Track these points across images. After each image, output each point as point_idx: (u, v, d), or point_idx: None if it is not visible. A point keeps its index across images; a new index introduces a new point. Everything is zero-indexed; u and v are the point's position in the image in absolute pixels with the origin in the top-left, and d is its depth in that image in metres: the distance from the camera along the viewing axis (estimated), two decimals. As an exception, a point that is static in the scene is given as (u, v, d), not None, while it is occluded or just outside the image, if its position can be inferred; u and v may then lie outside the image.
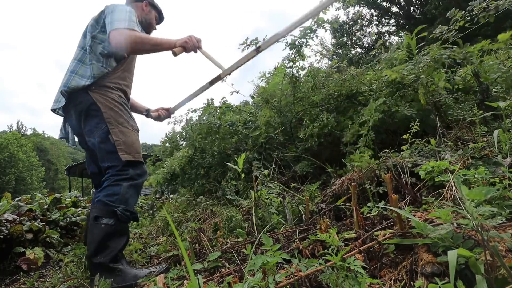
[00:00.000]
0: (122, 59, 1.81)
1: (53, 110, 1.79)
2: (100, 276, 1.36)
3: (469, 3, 2.34)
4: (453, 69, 2.62)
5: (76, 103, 1.67)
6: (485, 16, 2.21)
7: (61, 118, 1.87)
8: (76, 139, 1.89)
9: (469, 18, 2.29)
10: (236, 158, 1.94)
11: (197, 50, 1.85)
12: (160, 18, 2.17)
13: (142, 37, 1.67)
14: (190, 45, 1.79)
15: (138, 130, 1.81)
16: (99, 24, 1.74)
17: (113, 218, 1.51)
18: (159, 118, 2.25)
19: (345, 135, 2.43)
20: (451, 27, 2.34)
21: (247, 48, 2.86)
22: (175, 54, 1.76)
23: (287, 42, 2.82)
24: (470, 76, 2.33)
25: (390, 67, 2.58)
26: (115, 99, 1.72)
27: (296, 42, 2.77)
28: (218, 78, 1.97)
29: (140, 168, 1.71)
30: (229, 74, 1.96)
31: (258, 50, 1.83)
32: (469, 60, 2.14)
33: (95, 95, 1.66)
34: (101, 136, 1.62)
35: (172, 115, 2.36)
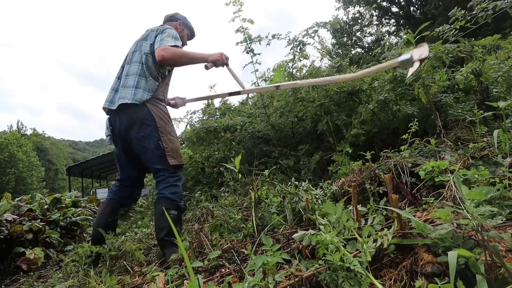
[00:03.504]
0: (166, 74, 2.08)
1: (105, 108, 2.00)
2: (171, 248, 1.75)
3: (469, 3, 2.34)
4: (453, 68, 2.62)
5: (132, 111, 1.89)
6: (483, 16, 2.20)
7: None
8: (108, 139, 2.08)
9: (469, 18, 2.29)
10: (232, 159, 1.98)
11: (225, 66, 2.11)
12: (191, 35, 2.41)
13: (182, 52, 1.94)
14: (220, 62, 2.04)
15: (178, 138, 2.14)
16: (150, 42, 1.98)
17: (177, 210, 1.89)
18: (175, 105, 2.45)
19: (342, 144, 2.44)
20: (452, 26, 2.34)
21: (246, 49, 2.90)
22: (207, 68, 2.01)
23: (289, 39, 2.82)
24: (471, 76, 2.32)
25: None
26: (164, 111, 2.00)
27: (299, 39, 2.78)
28: (238, 93, 2.29)
29: (182, 169, 2.06)
30: (247, 94, 2.24)
31: (277, 87, 2.25)
32: (475, 56, 2.13)
33: (150, 106, 1.92)
34: (155, 143, 1.89)
35: (182, 106, 2.57)
